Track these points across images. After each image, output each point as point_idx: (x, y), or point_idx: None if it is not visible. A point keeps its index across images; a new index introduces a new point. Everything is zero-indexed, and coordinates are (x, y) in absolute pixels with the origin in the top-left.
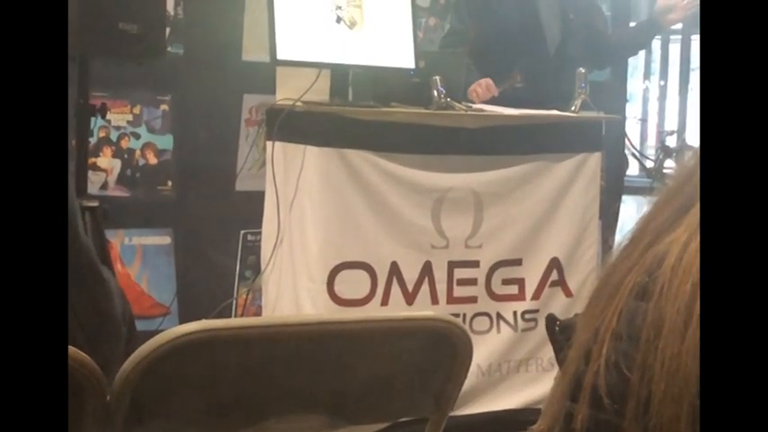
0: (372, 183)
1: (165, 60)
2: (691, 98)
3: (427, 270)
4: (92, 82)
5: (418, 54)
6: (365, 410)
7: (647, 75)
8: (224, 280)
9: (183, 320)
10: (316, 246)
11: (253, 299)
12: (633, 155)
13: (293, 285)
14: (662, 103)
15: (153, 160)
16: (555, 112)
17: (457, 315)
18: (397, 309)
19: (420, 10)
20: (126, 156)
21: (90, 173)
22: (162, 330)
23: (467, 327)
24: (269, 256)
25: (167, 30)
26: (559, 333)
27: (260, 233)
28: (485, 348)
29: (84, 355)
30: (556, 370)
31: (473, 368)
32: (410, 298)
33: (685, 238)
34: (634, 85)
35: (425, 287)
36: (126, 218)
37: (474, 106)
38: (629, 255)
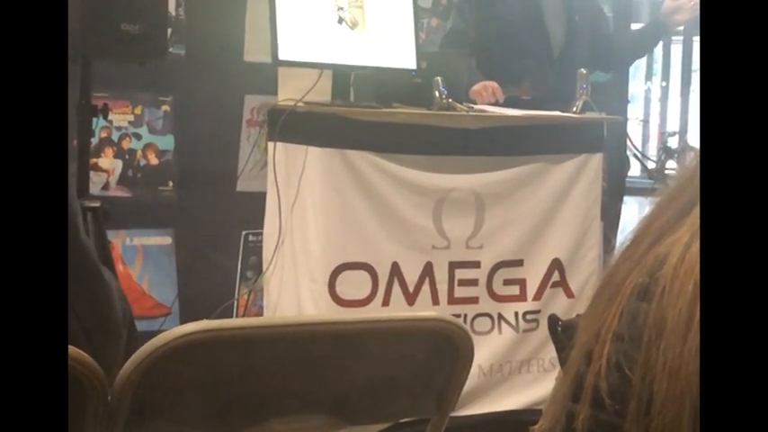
0: (374, 183)
1: (166, 61)
2: (692, 99)
3: (428, 271)
4: (93, 82)
5: (420, 55)
6: (366, 411)
7: (648, 76)
8: (225, 280)
9: (184, 321)
10: (317, 246)
11: (254, 299)
12: (635, 156)
13: (295, 286)
14: (664, 105)
15: (154, 161)
16: (556, 113)
17: (458, 316)
18: (399, 309)
19: (422, 11)
20: (127, 156)
21: (91, 173)
22: (163, 331)
23: (468, 327)
24: (270, 257)
25: (169, 30)
26: (561, 333)
27: (261, 234)
28: (486, 349)
29: (85, 355)
30: (557, 370)
31: (474, 369)
32: (411, 298)
33: (687, 238)
34: (636, 86)
35: (426, 288)
36: (127, 218)
37: (476, 107)
38: (631, 255)
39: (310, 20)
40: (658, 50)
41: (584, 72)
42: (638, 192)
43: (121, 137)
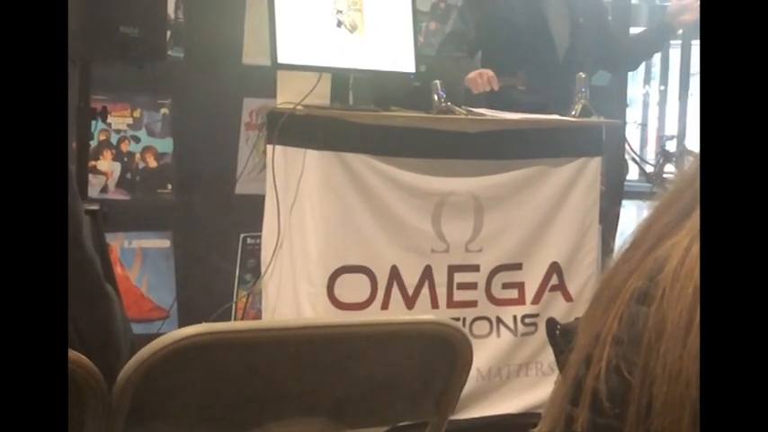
0: (373, 187)
1: (165, 64)
2: (691, 103)
3: (427, 274)
4: (93, 85)
5: (419, 58)
6: (365, 414)
7: (647, 79)
8: (224, 283)
9: (182, 324)
10: (316, 249)
11: (252, 302)
12: (633, 159)
13: (293, 289)
14: (662, 108)
15: (153, 163)
16: (555, 116)
17: (457, 319)
18: (398, 313)
19: (421, 14)
20: (126, 159)
21: (90, 176)
22: (162, 334)
23: (467, 331)
24: (269, 260)
25: (168, 33)
26: (560, 337)
27: (260, 236)
28: (485, 352)
29: (84, 358)
30: (556, 374)
31: (473, 372)
32: (410, 302)
33: (687, 242)
34: (634, 89)
35: (425, 291)
36: (126, 221)
37: (474, 110)
38: (630, 259)
39: (309, 23)
40: (657, 54)
41: (583, 76)
42: (636, 195)
43: (120, 139)
